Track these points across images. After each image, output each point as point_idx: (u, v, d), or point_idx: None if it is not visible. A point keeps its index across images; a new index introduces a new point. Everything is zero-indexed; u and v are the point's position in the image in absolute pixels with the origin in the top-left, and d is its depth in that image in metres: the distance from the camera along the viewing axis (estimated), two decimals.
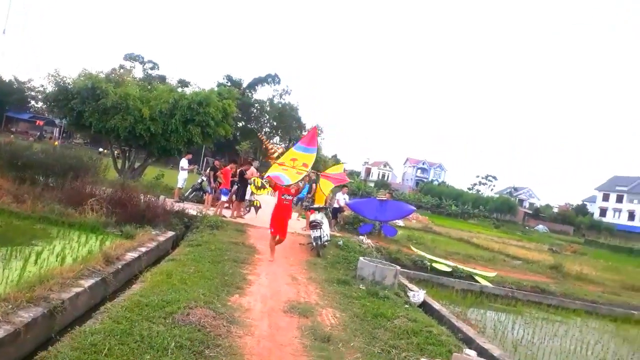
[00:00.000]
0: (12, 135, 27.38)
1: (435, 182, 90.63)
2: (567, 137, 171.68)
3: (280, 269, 8.96)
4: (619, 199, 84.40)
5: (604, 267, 23.52)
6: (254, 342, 5.06)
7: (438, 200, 68.92)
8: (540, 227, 68.21)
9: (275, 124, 61.69)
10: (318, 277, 8.92)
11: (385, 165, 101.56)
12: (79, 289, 5.54)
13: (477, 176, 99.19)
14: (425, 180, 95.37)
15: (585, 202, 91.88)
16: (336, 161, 63.24)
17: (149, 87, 19.89)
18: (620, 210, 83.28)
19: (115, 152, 19.64)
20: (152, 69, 65.64)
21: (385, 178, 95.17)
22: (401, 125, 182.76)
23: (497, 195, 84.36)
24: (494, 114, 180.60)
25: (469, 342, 6.76)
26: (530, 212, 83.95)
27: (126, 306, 5.11)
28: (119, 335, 4.30)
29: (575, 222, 76.24)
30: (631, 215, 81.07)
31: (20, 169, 12.04)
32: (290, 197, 10.12)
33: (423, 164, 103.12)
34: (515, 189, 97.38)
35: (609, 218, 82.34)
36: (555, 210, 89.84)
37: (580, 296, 13.49)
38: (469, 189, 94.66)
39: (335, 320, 6.42)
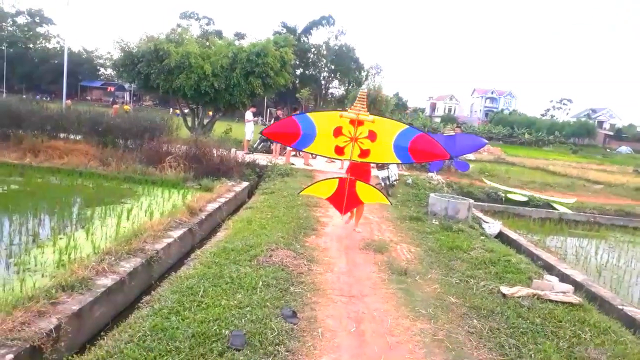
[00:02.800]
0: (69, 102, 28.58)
1: (506, 111, 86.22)
2: None
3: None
4: None
5: None
6: (334, 277, 5.30)
7: (510, 129, 65.89)
8: (624, 148, 63.73)
9: (333, 67, 60.75)
10: (390, 215, 9.02)
11: (451, 99, 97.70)
12: (169, 240, 6.00)
13: (551, 101, 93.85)
14: (494, 110, 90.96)
15: None
16: (398, 99, 61.81)
17: (207, 43, 20.10)
18: None
19: (185, 110, 20.34)
20: (207, 24, 66.13)
21: (452, 112, 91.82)
22: (465, 56, 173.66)
23: (574, 119, 79.19)
24: (562, 32, 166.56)
25: (550, 269, 6.67)
26: (611, 133, 78.33)
27: (214, 252, 5.49)
28: (211, 278, 4.66)
29: None
30: None
31: (101, 134, 12.87)
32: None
33: (492, 93, 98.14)
34: (594, 111, 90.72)
35: None
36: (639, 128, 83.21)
37: None
38: (543, 115, 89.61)
39: (411, 255, 6.54)
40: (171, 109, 37.81)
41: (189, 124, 19.54)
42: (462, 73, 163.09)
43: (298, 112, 16.20)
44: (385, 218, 8.65)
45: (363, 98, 6.57)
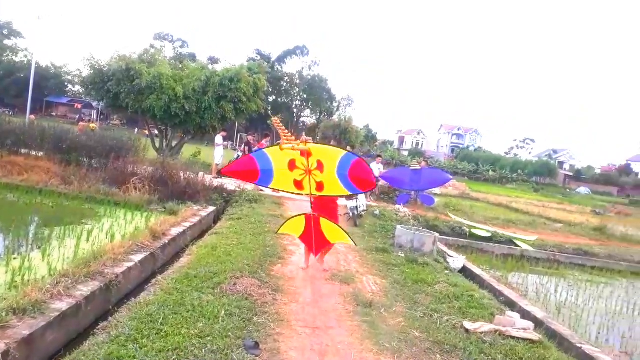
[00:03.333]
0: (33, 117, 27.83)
1: (472, 148, 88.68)
2: (608, 96, 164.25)
3: None
4: None
5: None
6: (299, 308, 5.23)
7: (475, 166, 67.62)
8: (582, 189, 66.17)
9: (305, 96, 61.42)
10: (356, 246, 9.01)
11: (418, 133, 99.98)
12: (130, 264, 5.81)
13: (515, 140, 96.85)
14: (460, 146, 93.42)
15: (629, 162, 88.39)
16: (368, 131, 62.71)
17: (181, 65, 20.07)
18: None
19: (154, 131, 20.07)
20: (181, 47, 66.13)
21: (419, 146, 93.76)
22: (434, 92, 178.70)
23: (536, 159, 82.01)
24: (529, 76, 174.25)
25: (512, 305, 6.77)
26: (571, 174, 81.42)
27: (176, 278, 5.34)
28: (172, 305, 4.52)
29: (619, 182, 73.56)
30: None
31: (65, 152, 12.53)
32: None
33: (458, 129, 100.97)
34: (555, 152, 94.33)
35: None
36: (598, 171, 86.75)
37: (626, 257, 13.17)
38: (506, 153, 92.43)
39: (376, 286, 6.53)
40: (137, 129, 37.16)
41: (157, 145, 19.28)
42: (430, 108, 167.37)
43: (269, 138, 16.25)
44: (352, 249, 8.63)
45: (279, 125, 6.60)
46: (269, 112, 49.72)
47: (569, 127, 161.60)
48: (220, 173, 7.31)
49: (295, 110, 61.69)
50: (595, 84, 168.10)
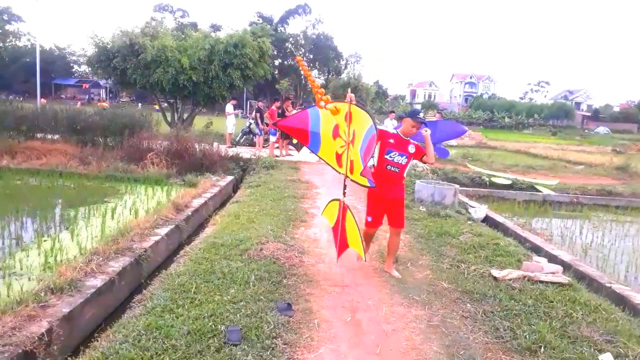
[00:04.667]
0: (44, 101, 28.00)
1: (485, 96, 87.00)
2: (622, 30, 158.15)
3: None
4: None
5: None
6: (326, 268, 5.29)
7: (490, 114, 66.52)
8: (601, 129, 64.93)
9: (312, 57, 60.41)
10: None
11: (430, 85, 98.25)
12: (157, 237, 5.91)
13: (529, 84, 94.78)
14: (474, 95, 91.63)
15: None
16: (378, 87, 61.81)
17: (184, 36, 19.78)
18: None
19: (164, 105, 20.03)
20: (182, 17, 65.07)
21: (432, 98, 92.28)
22: (443, 41, 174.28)
23: (552, 101, 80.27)
24: (540, 16, 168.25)
25: (538, 251, 6.76)
26: (588, 114, 79.76)
27: (203, 248, 5.42)
28: (202, 274, 4.60)
29: (638, 119, 71.90)
30: None
31: (80, 133, 12.61)
32: (405, 161, 5.01)
33: (470, 78, 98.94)
34: (571, 92, 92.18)
35: None
36: (617, 109, 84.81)
37: None
38: (521, 98, 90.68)
39: (401, 242, 6.54)
40: (139, 105, 37.01)
41: (169, 119, 19.27)
42: (440, 58, 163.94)
43: (278, 103, 16.07)
44: None
45: (304, 67, 5.51)
46: (276, 77, 49.26)
47: (584, 66, 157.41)
48: (277, 126, 6.27)
49: (302, 72, 60.92)
50: (607, 18, 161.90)
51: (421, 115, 5.15)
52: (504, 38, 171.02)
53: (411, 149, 5.01)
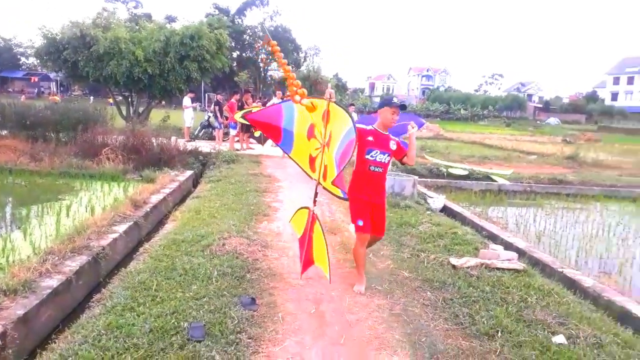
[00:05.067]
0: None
1: (442, 88, 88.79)
2: (571, 23, 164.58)
3: (302, 194, 9.10)
4: (630, 81, 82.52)
5: (620, 150, 23.56)
6: (290, 261, 5.30)
7: (446, 106, 67.97)
8: (552, 119, 67.43)
9: (270, 49, 59.94)
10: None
11: (388, 78, 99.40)
12: (115, 235, 5.76)
13: (483, 76, 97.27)
14: (431, 87, 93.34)
15: (595, 89, 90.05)
16: (338, 80, 61.98)
17: (137, 27, 19.19)
18: (631, 92, 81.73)
19: (118, 98, 19.44)
20: (135, 7, 63.13)
21: (390, 91, 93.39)
22: (401, 34, 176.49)
23: (506, 94, 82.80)
24: (492, 9, 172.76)
25: (494, 238, 6.99)
26: (540, 106, 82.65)
27: (164, 245, 5.33)
28: (163, 271, 4.53)
29: (586, 110, 75.13)
30: None
31: (30, 128, 12.09)
32: (388, 159, 4.63)
33: (427, 71, 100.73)
34: (523, 85, 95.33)
35: (621, 102, 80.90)
36: (566, 101, 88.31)
37: (598, 182, 13.63)
38: (476, 90, 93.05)
39: None
40: (91, 98, 35.74)
41: (124, 113, 18.73)
42: (398, 51, 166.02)
43: (238, 96, 15.85)
44: (335, 199, 8.68)
45: (277, 50, 4.78)
46: (235, 69, 48.64)
47: (535, 59, 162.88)
48: (244, 117, 5.41)
49: (261, 65, 60.25)
50: (558, 12, 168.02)
51: (395, 100, 4.53)
52: (459, 32, 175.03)
53: (392, 145, 4.56)
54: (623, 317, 4.35)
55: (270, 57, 58.03)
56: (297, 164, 4.66)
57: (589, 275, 5.75)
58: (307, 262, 4.61)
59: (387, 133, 4.57)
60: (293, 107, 4.39)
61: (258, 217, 7.02)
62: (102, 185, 9.21)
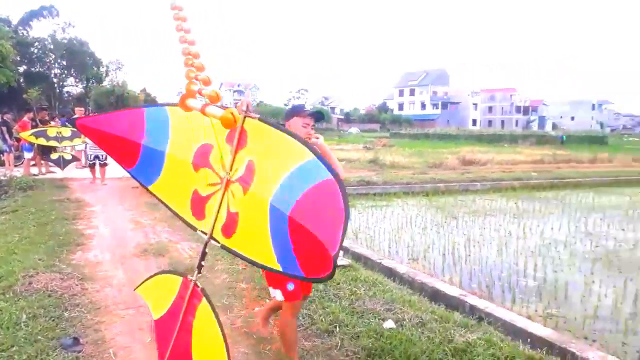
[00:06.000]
0: None
1: (253, 103, 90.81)
2: (363, 41, 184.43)
3: (119, 217, 8.42)
4: (412, 93, 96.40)
5: (410, 153, 26.98)
6: (114, 291, 4.83)
7: None
8: (353, 129, 74.42)
9: (65, 63, 54.07)
10: (162, 215, 8.61)
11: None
12: None
13: (290, 91, 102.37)
14: None
15: (385, 101, 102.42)
16: (147, 95, 58.85)
17: None
18: (414, 103, 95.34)
19: None
20: None
21: None
22: (210, 50, 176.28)
23: (312, 106, 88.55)
24: (300, 27, 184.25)
25: None
26: (342, 117, 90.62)
27: None
28: None
29: (380, 119, 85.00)
30: (423, 105, 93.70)
31: None
32: None
33: (238, 86, 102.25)
34: (326, 98, 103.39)
35: (406, 111, 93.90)
36: (363, 112, 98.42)
37: (397, 181, 15.42)
38: (286, 104, 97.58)
39: (193, 251, 6.39)
40: None
41: None
42: (208, 66, 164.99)
43: (32, 114, 13.90)
44: (159, 219, 8.22)
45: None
46: (22, 85, 42.70)
47: (336, 75, 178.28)
48: (78, 127, 2.81)
49: (55, 80, 54.03)
50: (350, 34, 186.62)
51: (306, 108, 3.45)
52: (269, 47, 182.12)
53: None
54: (434, 296, 5.01)
55: (65, 72, 52.69)
56: (164, 203, 2.76)
57: (402, 262, 6.46)
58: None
59: None
60: (166, 115, 2.63)
61: (70, 247, 6.24)
62: None
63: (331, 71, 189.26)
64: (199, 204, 2.59)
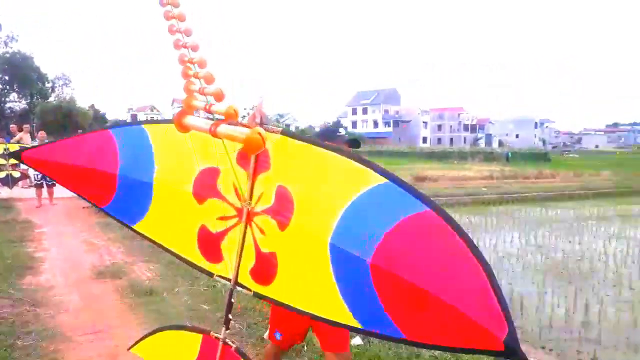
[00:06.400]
0: None
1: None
2: (319, 60, 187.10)
3: (70, 238, 8.11)
4: (364, 111, 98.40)
5: None
6: (71, 317, 4.63)
7: None
8: None
9: (7, 78, 51.74)
10: (117, 235, 8.35)
11: (152, 109, 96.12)
12: None
13: (245, 108, 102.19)
14: None
15: (339, 118, 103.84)
16: (95, 111, 57.10)
17: None
18: (366, 121, 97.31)
19: None
20: None
21: None
22: (163, 65, 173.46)
23: (344, 132, 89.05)
24: (254, 44, 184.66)
25: None
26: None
27: None
28: None
29: (336, 138, 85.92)
30: (375, 123, 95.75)
31: None
32: None
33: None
34: (281, 116, 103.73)
35: (360, 129, 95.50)
36: (318, 129, 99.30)
37: None
38: (243, 117, 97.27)
39: (151, 272, 6.23)
40: None
41: None
42: (160, 83, 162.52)
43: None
44: (113, 239, 7.96)
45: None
46: None
47: (290, 93, 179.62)
48: (22, 158, 2.28)
49: None
50: (305, 53, 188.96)
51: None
52: (220, 63, 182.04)
53: None
54: None
55: (7, 88, 50.54)
56: (161, 246, 2.19)
57: None
58: None
59: None
60: (145, 135, 2.10)
61: (19, 271, 5.95)
62: None
63: (286, 88, 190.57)
64: (210, 244, 2.01)
